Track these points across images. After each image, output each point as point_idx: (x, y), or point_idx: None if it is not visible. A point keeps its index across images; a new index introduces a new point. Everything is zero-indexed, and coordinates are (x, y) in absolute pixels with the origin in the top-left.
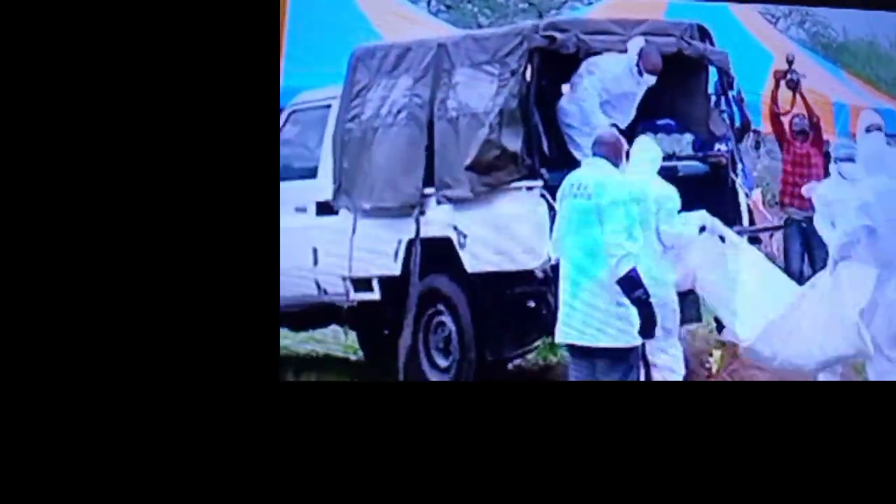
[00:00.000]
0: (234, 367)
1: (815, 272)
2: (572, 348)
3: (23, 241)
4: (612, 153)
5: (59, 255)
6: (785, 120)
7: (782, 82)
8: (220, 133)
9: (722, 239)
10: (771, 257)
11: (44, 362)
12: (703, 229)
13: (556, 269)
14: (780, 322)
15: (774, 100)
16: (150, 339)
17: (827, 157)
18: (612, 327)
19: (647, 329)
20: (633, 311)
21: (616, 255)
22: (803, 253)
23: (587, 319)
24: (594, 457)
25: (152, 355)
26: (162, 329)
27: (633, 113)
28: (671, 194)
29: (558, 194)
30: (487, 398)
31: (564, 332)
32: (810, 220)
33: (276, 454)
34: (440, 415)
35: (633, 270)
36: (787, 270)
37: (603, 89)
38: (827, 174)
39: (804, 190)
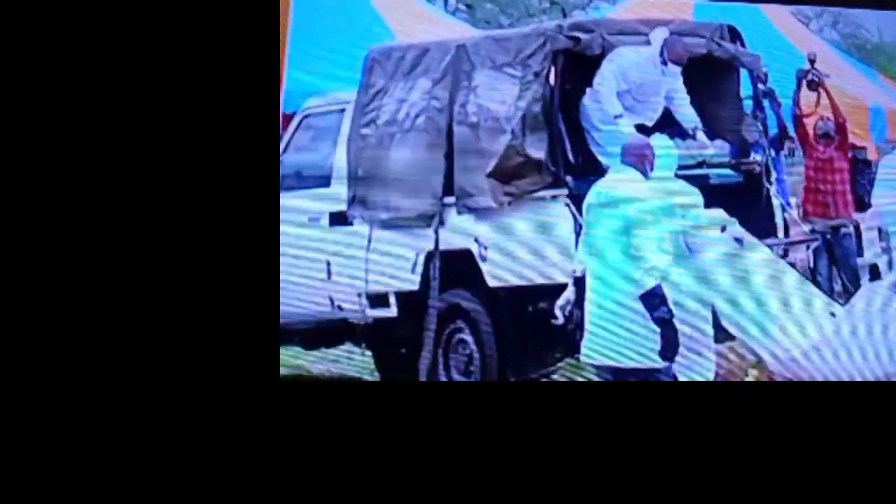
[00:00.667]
0: (235, 366)
1: (844, 287)
2: (599, 368)
3: (26, 249)
4: (640, 161)
5: (65, 260)
6: (808, 122)
7: (804, 82)
8: (219, 138)
9: (740, 242)
10: (803, 273)
11: (47, 363)
12: (723, 229)
13: (581, 283)
14: (824, 339)
15: (796, 101)
16: (152, 340)
17: (854, 162)
18: (641, 346)
19: (669, 351)
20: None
21: (642, 268)
22: (830, 267)
23: (614, 337)
24: (602, 457)
25: (154, 355)
26: (163, 330)
27: (658, 109)
28: (695, 196)
29: (584, 204)
30: (489, 398)
31: (590, 351)
32: (835, 230)
33: (275, 454)
34: (441, 414)
35: (658, 287)
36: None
37: (622, 77)
38: (854, 180)
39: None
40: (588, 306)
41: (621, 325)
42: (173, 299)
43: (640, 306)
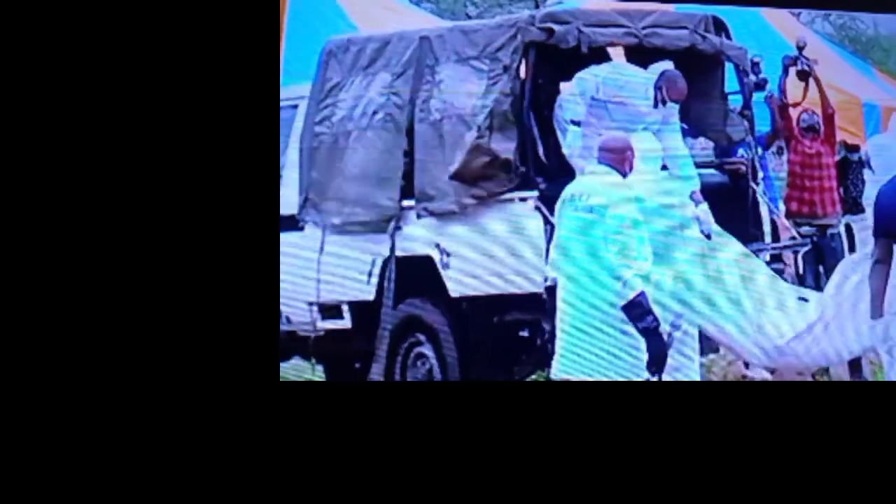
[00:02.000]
0: (235, 367)
1: None
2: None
3: (24, 254)
4: (619, 161)
5: (57, 263)
6: (794, 113)
7: (792, 70)
8: (218, 138)
9: (708, 237)
10: (791, 281)
11: (50, 371)
12: (699, 220)
13: (553, 292)
14: (812, 324)
15: (782, 90)
16: (152, 340)
17: (847, 162)
18: (618, 360)
19: (657, 363)
20: (642, 342)
21: (622, 276)
22: (818, 271)
23: (590, 352)
24: (592, 458)
25: (154, 356)
26: (163, 330)
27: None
28: (680, 195)
29: (556, 207)
30: (488, 398)
31: (563, 366)
32: (822, 231)
33: (275, 454)
34: (440, 415)
35: (642, 295)
36: None
37: (604, 83)
38: (842, 177)
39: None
40: (560, 317)
41: (598, 338)
42: (170, 301)
43: (619, 316)
